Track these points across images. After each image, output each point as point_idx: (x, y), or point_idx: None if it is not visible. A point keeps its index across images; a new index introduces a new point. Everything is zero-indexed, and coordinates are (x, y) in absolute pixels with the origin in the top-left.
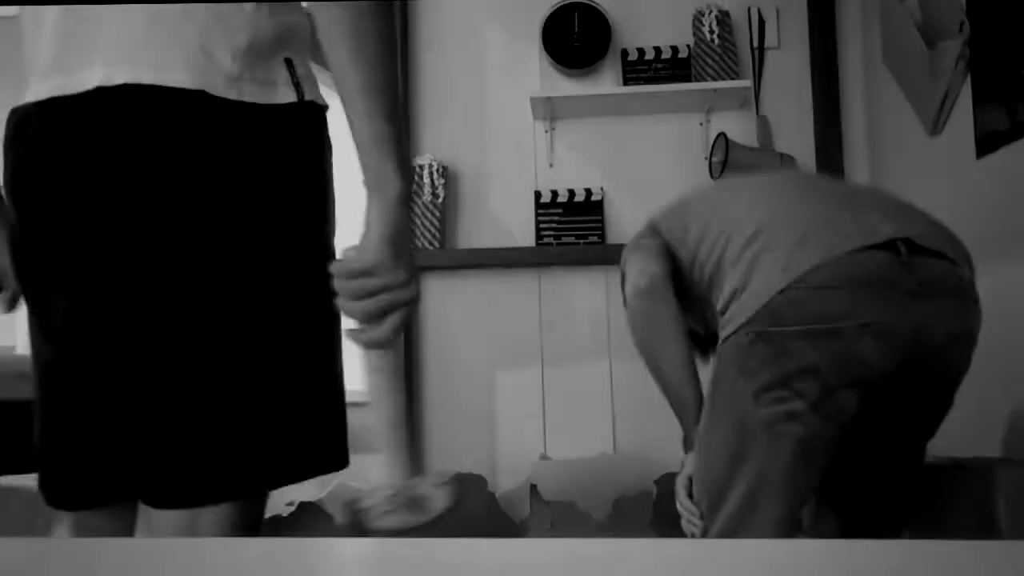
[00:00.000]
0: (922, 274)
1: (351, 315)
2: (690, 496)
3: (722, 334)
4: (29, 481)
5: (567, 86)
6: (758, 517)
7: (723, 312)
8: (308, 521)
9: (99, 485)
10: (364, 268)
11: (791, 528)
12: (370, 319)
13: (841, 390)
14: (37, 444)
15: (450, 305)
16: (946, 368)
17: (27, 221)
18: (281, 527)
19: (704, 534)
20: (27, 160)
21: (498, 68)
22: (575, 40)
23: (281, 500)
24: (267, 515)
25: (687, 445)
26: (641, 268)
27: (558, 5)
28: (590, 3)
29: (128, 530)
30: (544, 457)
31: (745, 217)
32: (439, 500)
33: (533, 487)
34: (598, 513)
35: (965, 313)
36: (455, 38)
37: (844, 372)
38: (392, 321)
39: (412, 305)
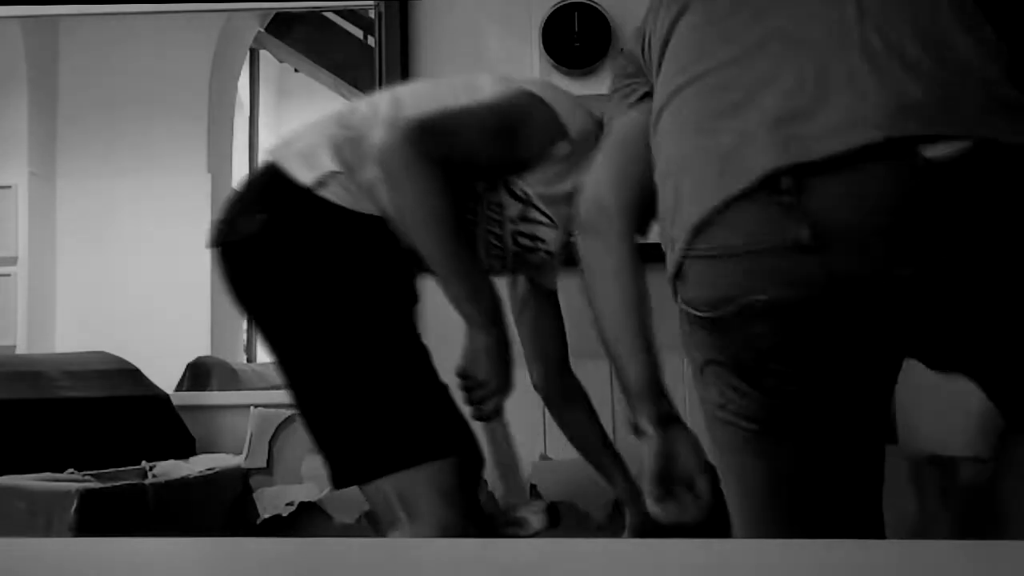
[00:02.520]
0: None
1: (479, 413)
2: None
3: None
4: (29, 481)
5: (567, 86)
6: None
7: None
8: (308, 521)
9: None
10: (478, 381)
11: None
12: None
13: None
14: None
15: (451, 305)
16: None
17: None
18: (281, 527)
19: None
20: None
21: (498, 68)
22: (575, 40)
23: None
24: (267, 515)
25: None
26: (616, 176)
27: (558, 5)
28: (590, 3)
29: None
30: (544, 457)
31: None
32: (536, 522)
33: (533, 487)
34: (598, 513)
35: None
36: (455, 38)
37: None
38: (494, 404)
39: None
